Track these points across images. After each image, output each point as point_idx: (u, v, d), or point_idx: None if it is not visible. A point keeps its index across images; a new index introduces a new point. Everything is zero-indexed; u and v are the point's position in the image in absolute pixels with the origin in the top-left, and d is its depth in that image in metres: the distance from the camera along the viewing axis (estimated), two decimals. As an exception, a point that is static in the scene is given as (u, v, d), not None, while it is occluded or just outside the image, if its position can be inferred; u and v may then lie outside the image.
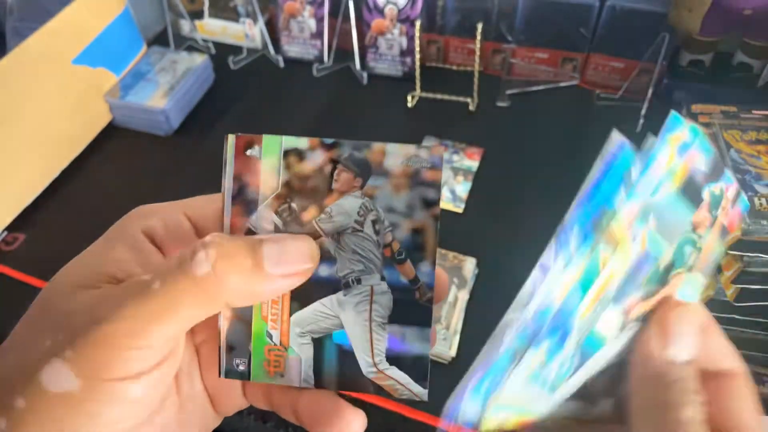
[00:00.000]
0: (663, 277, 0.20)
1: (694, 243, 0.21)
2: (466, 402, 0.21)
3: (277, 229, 0.23)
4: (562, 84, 0.78)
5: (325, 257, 0.23)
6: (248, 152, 0.23)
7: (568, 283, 0.20)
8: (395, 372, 0.23)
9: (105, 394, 0.18)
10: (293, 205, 0.23)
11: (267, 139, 0.23)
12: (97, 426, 0.18)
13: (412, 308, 0.23)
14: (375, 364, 0.23)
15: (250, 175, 0.23)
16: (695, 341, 0.20)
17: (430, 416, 0.48)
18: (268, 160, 0.23)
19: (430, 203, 0.22)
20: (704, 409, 0.19)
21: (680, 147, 0.20)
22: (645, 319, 0.21)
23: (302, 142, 0.23)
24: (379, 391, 0.23)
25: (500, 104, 0.77)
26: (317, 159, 0.23)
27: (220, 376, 0.23)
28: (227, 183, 0.23)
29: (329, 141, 0.23)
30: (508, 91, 0.77)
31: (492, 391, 0.21)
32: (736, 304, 0.47)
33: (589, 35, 0.74)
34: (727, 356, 0.21)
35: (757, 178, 0.50)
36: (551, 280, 0.20)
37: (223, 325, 0.23)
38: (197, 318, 0.19)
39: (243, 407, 0.25)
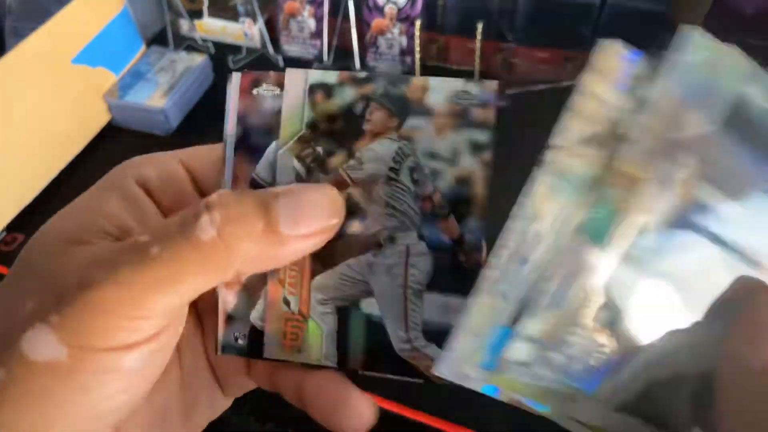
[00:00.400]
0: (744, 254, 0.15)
1: None
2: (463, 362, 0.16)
3: (299, 178, 0.19)
4: (563, 83, 0.78)
5: (354, 211, 0.19)
6: (256, 91, 0.20)
7: (563, 231, 0.15)
8: (434, 350, 0.19)
9: (96, 364, 0.16)
10: (318, 149, 0.19)
11: (290, 73, 0.20)
12: (90, 400, 0.16)
13: (455, 273, 0.19)
14: (410, 340, 0.19)
15: (257, 116, 0.20)
16: None
17: (431, 417, 0.48)
18: (290, 98, 0.19)
19: (480, 147, 0.19)
20: None
21: (722, 74, 0.14)
22: (725, 313, 0.15)
23: (330, 76, 0.19)
24: (413, 373, 0.19)
25: (500, 104, 0.76)
26: (347, 96, 0.19)
27: (216, 352, 0.21)
28: (229, 128, 0.20)
29: (362, 75, 0.19)
30: (509, 91, 0.77)
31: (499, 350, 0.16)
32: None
33: (590, 35, 0.74)
34: None
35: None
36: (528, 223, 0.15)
37: (222, 290, 0.20)
38: (202, 288, 0.17)
39: (250, 388, 0.23)
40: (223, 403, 0.23)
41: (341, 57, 0.83)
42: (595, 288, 0.15)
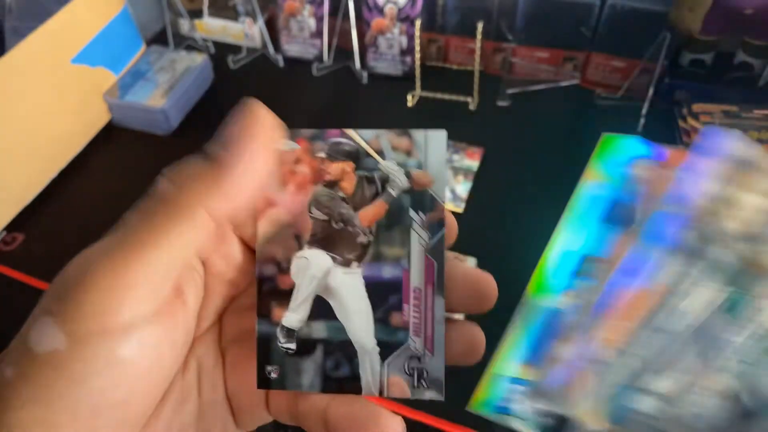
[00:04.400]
0: None
1: None
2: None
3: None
4: (563, 83, 0.78)
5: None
6: None
7: (706, 303, 0.17)
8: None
9: (92, 351, 0.17)
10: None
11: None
12: (87, 392, 0.17)
13: None
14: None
15: None
16: None
17: (431, 417, 0.48)
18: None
19: None
20: None
21: None
22: None
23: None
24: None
25: (501, 104, 0.77)
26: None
27: (258, 386, 0.22)
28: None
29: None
30: (509, 91, 0.77)
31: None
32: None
33: (590, 34, 0.74)
34: None
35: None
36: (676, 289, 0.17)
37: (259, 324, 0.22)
38: (178, 245, 0.18)
39: (265, 422, 0.23)
40: None
41: (341, 57, 0.83)
42: (723, 357, 0.17)
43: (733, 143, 0.17)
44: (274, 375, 0.22)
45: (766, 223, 0.16)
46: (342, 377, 0.22)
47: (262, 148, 0.20)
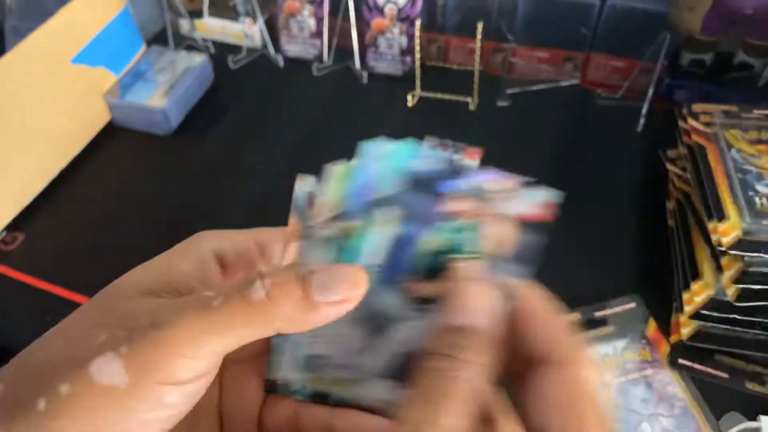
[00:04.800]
0: (437, 261, 0.22)
1: (473, 230, 0.22)
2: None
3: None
4: (563, 83, 0.78)
5: None
6: None
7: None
8: None
9: (147, 394, 0.19)
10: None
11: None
12: (130, 422, 0.19)
13: None
14: None
15: None
16: (482, 308, 0.20)
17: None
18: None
19: None
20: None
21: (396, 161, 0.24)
22: (437, 302, 0.22)
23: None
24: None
25: (500, 104, 0.77)
26: None
27: (266, 391, 0.25)
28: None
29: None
30: (509, 91, 0.77)
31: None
32: (737, 304, 0.47)
33: (590, 34, 0.74)
34: (559, 345, 0.21)
35: (758, 177, 0.50)
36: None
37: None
38: (247, 338, 0.20)
39: None
40: None
41: (341, 57, 0.83)
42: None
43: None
44: (281, 382, 0.24)
45: (344, 207, 0.23)
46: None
47: (354, 301, 0.21)
